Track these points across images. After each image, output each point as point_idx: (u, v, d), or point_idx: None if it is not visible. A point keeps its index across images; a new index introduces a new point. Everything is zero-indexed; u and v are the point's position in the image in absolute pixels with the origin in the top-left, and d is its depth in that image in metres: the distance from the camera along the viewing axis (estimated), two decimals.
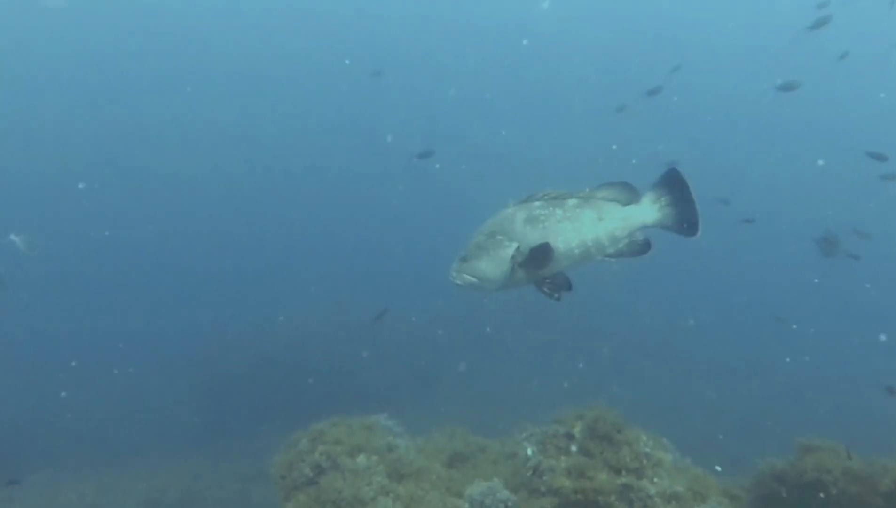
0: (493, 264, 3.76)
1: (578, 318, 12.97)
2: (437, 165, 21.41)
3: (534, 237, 3.69)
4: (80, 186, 23.88)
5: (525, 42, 37.33)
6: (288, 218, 24.26)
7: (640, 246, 3.81)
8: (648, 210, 3.75)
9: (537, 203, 3.76)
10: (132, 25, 35.54)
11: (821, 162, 28.75)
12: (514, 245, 3.70)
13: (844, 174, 28.11)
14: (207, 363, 12.99)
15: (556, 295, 3.82)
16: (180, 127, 30.59)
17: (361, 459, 4.82)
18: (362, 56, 33.22)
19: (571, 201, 3.76)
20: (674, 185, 3.72)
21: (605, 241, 3.75)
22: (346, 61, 32.78)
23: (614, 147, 21.52)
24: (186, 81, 34.10)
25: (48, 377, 12.37)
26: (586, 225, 3.73)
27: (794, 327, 14.08)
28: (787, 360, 13.20)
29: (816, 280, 17.50)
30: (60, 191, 23.66)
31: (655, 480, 5.10)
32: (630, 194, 3.78)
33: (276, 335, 13.93)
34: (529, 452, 5.16)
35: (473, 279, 3.79)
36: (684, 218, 3.71)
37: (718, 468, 5.31)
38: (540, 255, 3.67)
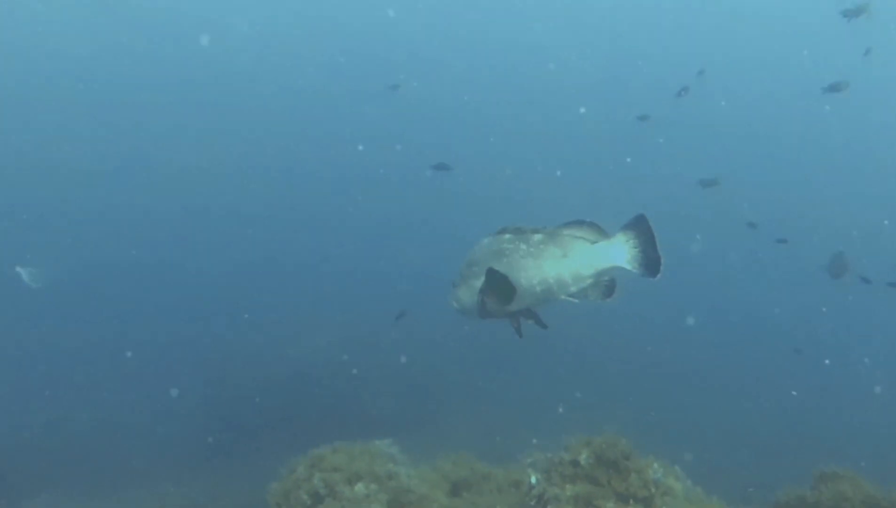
0: (468, 294, 3.72)
1: (583, 343, 12.79)
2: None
3: (498, 270, 3.59)
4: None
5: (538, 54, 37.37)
6: (290, 237, 23.44)
7: (605, 288, 3.71)
8: (617, 251, 3.65)
9: (507, 236, 3.67)
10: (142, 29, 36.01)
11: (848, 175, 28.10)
12: (483, 277, 3.60)
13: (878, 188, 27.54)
14: (209, 384, 12.83)
15: (520, 333, 3.73)
16: (190, 131, 30.63)
17: (360, 487, 4.68)
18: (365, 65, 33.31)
19: (537, 237, 3.64)
20: (641, 229, 3.64)
21: (567, 279, 3.63)
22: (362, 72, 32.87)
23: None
24: (203, 86, 34.41)
25: (42, 399, 12.08)
26: (549, 262, 3.60)
27: (827, 362, 13.81)
28: (793, 393, 12.87)
29: (824, 309, 17.08)
30: (60, 195, 23.43)
31: None
32: (598, 234, 3.68)
33: (277, 356, 13.75)
34: (533, 480, 5.00)
35: (458, 307, 3.78)
36: (649, 262, 3.63)
37: None
38: (491, 287, 3.56)
